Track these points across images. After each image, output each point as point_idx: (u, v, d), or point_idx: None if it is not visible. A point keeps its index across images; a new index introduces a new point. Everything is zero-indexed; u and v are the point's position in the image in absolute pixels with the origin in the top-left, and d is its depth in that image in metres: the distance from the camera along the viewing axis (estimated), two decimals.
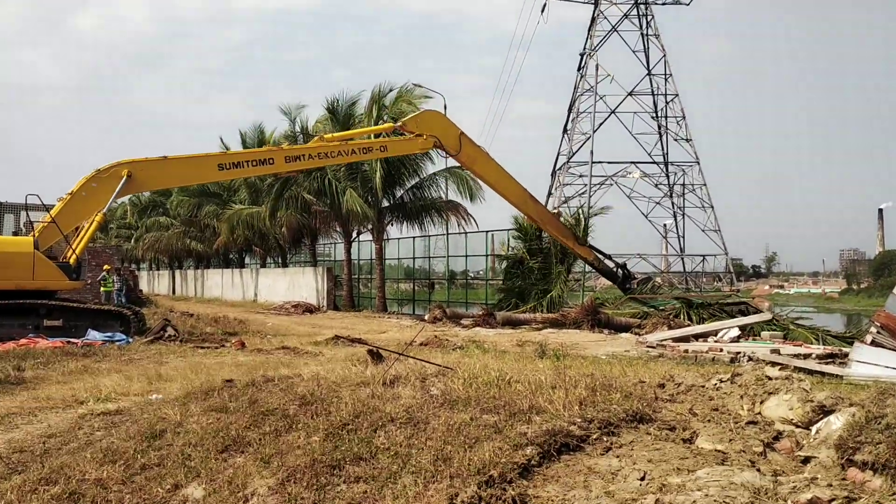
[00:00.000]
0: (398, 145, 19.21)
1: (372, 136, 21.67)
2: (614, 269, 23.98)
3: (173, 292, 55.78)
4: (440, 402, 5.82)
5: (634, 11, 62.99)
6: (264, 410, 6.25)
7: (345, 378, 6.97)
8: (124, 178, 14.92)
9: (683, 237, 63.17)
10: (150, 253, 54.62)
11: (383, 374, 6.80)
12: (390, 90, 30.18)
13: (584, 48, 63.86)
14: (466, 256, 32.77)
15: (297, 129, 34.12)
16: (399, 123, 18.34)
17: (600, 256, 23.63)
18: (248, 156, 15.85)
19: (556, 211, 22.20)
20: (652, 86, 62.55)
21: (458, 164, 30.45)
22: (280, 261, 45.10)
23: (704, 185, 61.46)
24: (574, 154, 62.34)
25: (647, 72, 62.72)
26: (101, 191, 15.34)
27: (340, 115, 31.32)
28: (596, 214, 27.45)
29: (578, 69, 64.49)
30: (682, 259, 61.80)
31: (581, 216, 26.15)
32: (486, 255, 31.77)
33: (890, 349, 10.57)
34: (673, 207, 62.98)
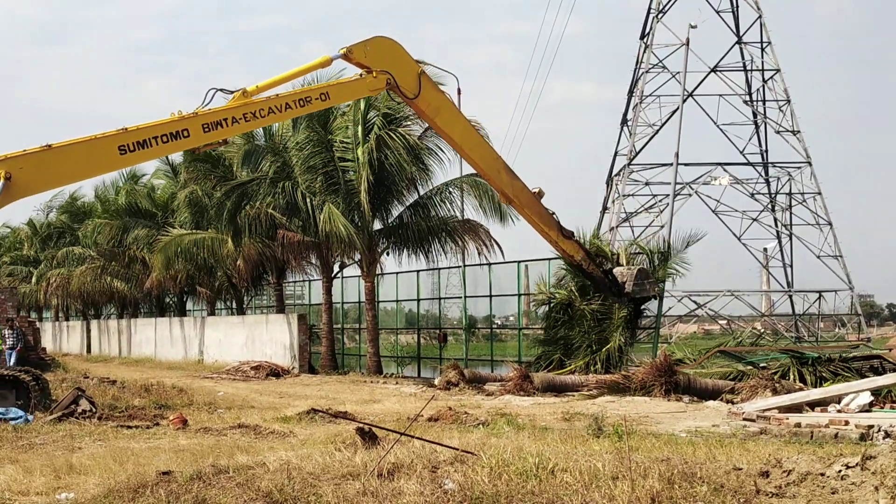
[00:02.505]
0: (342, 89, 19.97)
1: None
2: (602, 275, 24.63)
3: (88, 350, 56.01)
4: (458, 501, 5.81)
5: None
6: None
7: (325, 468, 6.97)
8: (2, 182, 15.28)
9: (791, 266, 62.94)
10: (58, 297, 54.91)
11: (378, 461, 6.80)
12: None
13: (650, 7, 64.30)
14: (491, 297, 32.77)
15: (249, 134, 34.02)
16: (343, 51, 18.91)
17: (588, 258, 24.57)
18: (156, 130, 16.52)
19: (536, 190, 22.87)
20: (743, 59, 62.76)
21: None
22: (234, 306, 45.25)
23: (819, 193, 61.32)
24: (637, 154, 62.44)
25: (736, 39, 63.04)
26: None
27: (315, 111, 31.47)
28: (692, 242, 27.31)
29: (642, 36, 64.93)
30: (790, 297, 61.53)
31: (664, 244, 26.74)
32: (519, 295, 31.75)
33: None
34: (776, 225, 62.85)
